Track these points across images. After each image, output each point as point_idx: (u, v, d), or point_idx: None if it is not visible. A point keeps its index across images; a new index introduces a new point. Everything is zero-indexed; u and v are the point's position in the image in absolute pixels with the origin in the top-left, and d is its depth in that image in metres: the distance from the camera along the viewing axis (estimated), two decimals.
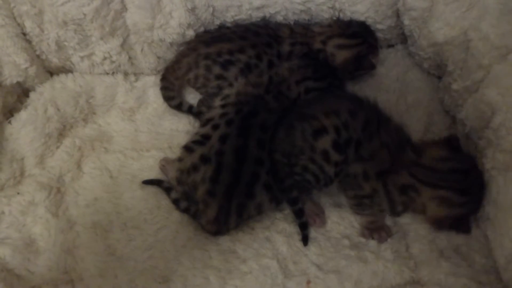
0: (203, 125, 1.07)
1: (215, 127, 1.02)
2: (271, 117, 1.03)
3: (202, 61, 1.16)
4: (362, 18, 1.20)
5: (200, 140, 1.02)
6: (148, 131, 1.21)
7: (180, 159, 1.04)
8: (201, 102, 1.20)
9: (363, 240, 1.00)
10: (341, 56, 1.18)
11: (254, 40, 1.17)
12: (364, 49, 1.18)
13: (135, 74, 1.30)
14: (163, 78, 1.23)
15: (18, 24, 1.15)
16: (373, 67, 1.21)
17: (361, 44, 1.18)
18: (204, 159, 0.99)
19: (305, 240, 0.99)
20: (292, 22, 1.24)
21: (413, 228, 1.01)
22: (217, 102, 1.09)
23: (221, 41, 1.17)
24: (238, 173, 0.97)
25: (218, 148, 0.98)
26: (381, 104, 1.17)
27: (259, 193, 0.97)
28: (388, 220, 1.03)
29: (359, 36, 1.18)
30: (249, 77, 1.11)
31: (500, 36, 0.95)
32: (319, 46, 1.19)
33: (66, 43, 1.18)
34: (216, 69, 1.15)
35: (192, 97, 1.25)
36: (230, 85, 1.11)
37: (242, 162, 0.97)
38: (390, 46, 1.31)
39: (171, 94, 1.22)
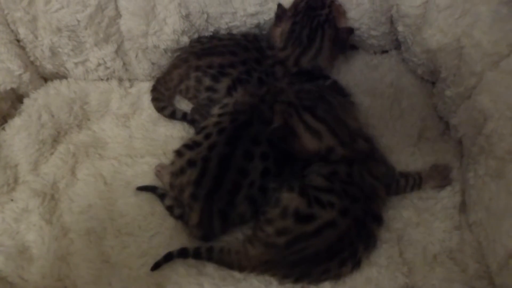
0: (197, 132, 1.08)
1: (208, 136, 1.02)
2: (265, 130, 1.02)
3: (192, 73, 1.16)
4: (356, 25, 1.20)
5: (191, 145, 1.03)
6: (142, 137, 1.21)
7: (172, 163, 1.05)
8: (194, 110, 1.20)
9: None
10: (323, 62, 1.18)
11: (244, 55, 1.17)
12: (330, 32, 1.16)
13: (129, 80, 1.30)
14: (154, 89, 1.24)
15: (12, 31, 1.15)
16: (351, 30, 1.18)
17: (323, 34, 1.16)
18: (191, 162, 0.99)
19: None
20: None
21: (406, 233, 1.02)
22: (216, 110, 1.09)
23: (212, 55, 1.17)
24: (220, 180, 0.97)
25: (205, 154, 0.99)
26: (375, 109, 1.19)
27: (241, 204, 0.97)
28: (383, 224, 1.03)
29: (315, 33, 1.15)
30: (247, 87, 1.10)
31: (492, 43, 0.95)
32: (294, 69, 1.18)
33: (60, 50, 1.18)
34: (207, 81, 1.15)
35: (186, 103, 1.24)
36: (230, 94, 1.11)
37: (225, 170, 0.97)
38: (384, 52, 1.32)
39: (162, 105, 1.22)
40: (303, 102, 0.98)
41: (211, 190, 0.97)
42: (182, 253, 0.97)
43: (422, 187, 1.06)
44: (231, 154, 0.99)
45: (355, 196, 0.94)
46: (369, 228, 0.95)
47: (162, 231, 1.04)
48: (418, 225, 1.02)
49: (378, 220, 0.97)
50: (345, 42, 1.20)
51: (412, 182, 1.04)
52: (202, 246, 0.97)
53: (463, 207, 1.03)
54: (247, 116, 1.04)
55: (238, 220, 1.00)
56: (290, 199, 0.93)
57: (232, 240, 1.02)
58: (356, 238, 0.92)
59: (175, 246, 1.01)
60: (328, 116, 0.97)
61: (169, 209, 1.06)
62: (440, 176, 1.06)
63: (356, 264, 0.94)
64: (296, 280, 0.93)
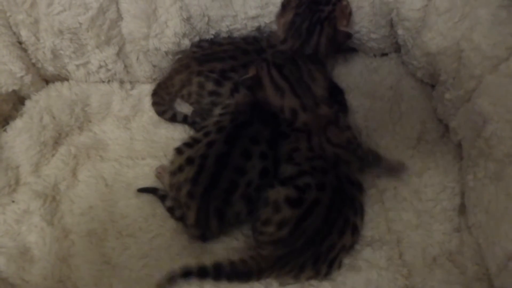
0: (197, 130, 1.10)
1: (207, 134, 1.03)
2: (264, 130, 1.03)
3: (195, 78, 1.17)
4: (356, 28, 1.21)
5: (190, 143, 1.04)
6: (143, 139, 1.21)
7: (172, 162, 1.05)
8: (194, 113, 1.21)
9: (356, 248, 1.00)
10: (322, 48, 1.17)
11: (244, 59, 1.18)
12: (328, 30, 1.15)
13: (130, 82, 1.30)
14: (154, 94, 1.24)
15: (14, 33, 1.16)
16: (349, 35, 1.17)
17: (321, 31, 1.15)
18: (189, 160, 1.00)
19: None
20: None
21: (406, 235, 1.02)
22: (217, 111, 1.10)
23: (212, 60, 1.17)
24: (217, 178, 0.97)
25: (203, 151, 1.00)
26: (375, 111, 1.20)
27: (237, 203, 0.98)
28: (382, 226, 1.04)
29: (314, 28, 1.15)
30: None
31: (491, 46, 0.96)
32: None
33: (61, 52, 1.18)
34: (209, 86, 1.16)
35: (187, 106, 1.25)
36: (232, 96, 1.12)
37: (222, 168, 0.98)
38: (384, 54, 1.32)
39: (163, 109, 1.23)
40: (275, 60, 1.08)
41: (207, 188, 0.97)
42: (202, 273, 0.92)
43: (381, 165, 1.09)
44: (229, 152, 0.99)
45: (323, 167, 0.98)
46: (350, 193, 0.98)
47: (163, 233, 1.05)
48: (418, 227, 1.03)
49: (356, 184, 1.00)
50: (341, 45, 1.20)
51: (373, 153, 1.08)
52: (223, 263, 0.93)
53: (462, 210, 1.03)
54: (247, 116, 1.05)
55: (234, 219, 1.00)
56: (276, 193, 0.96)
57: (232, 241, 1.03)
58: (342, 205, 0.96)
59: (176, 248, 1.02)
60: (292, 76, 1.04)
61: (170, 210, 1.06)
62: (394, 165, 1.09)
63: (355, 231, 0.97)
64: (314, 266, 0.93)
